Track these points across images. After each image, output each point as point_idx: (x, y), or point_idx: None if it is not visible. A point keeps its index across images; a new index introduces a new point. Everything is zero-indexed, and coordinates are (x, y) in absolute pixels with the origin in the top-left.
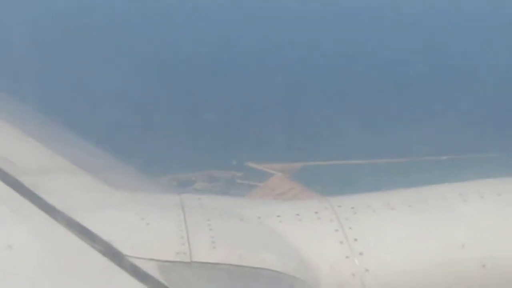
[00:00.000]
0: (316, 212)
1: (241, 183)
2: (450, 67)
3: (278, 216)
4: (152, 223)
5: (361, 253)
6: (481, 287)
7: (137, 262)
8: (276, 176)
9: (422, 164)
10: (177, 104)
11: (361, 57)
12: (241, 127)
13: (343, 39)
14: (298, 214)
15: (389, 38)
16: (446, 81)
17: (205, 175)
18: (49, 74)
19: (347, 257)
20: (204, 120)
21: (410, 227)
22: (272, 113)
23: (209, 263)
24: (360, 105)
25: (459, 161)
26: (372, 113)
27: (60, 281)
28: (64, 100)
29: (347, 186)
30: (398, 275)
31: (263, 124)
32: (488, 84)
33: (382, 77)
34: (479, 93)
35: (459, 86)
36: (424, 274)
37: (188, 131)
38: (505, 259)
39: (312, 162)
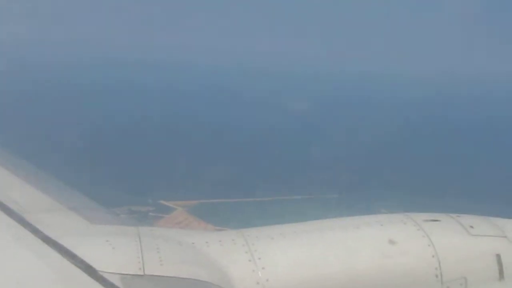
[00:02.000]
0: (232, 240)
1: (153, 215)
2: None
3: (207, 242)
4: (116, 247)
5: (263, 268)
6: (341, 281)
7: (106, 275)
8: (177, 210)
9: (283, 201)
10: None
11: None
12: (159, 177)
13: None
14: (220, 241)
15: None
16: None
17: (127, 209)
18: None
19: (253, 270)
20: (134, 174)
21: (297, 250)
22: (179, 167)
23: (157, 275)
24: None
25: (308, 200)
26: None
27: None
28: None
29: (229, 217)
30: (288, 282)
31: (174, 174)
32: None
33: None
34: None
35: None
36: (304, 279)
37: (122, 182)
38: (355, 265)
39: (204, 200)
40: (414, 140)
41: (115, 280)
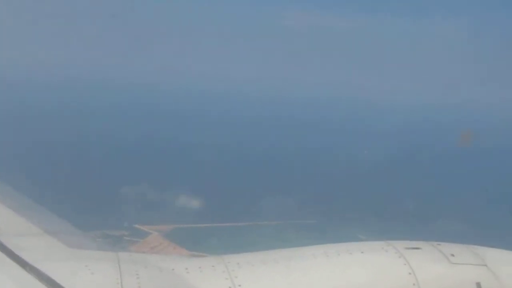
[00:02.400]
0: (213, 266)
1: (128, 240)
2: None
3: (186, 268)
4: (95, 272)
5: None
6: None
7: None
8: (152, 235)
9: (260, 227)
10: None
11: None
12: (134, 201)
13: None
14: (200, 267)
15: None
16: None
17: (101, 233)
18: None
19: None
20: (109, 198)
21: (277, 277)
22: (155, 191)
23: None
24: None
25: (285, 225)
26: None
27: None
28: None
29: (205, 243)
30: None
31: (150, 199)
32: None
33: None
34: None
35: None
36: None
37: (96, 205)
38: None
39: (179, 224)
40: (394, 167)
41: None
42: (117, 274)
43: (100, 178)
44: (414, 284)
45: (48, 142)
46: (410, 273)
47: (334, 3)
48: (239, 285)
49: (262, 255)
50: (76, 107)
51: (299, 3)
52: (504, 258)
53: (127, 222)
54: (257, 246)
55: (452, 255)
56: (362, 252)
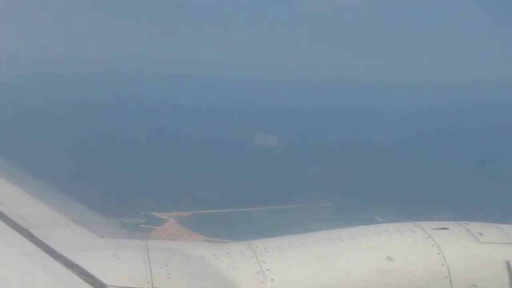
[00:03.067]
0: (240, 251)
1: (144, 227)
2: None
3: (215, 255)
4: (125, 261)
5: (272, 279)
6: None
7: None
8: (169, 222)
9: (276, 211)
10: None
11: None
12: (151, 189)
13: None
14: (228, 253)
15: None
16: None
17: (117, 221)
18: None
19: (262, 282)
20: (125, 185)
21: (306, 261)
22: (171, 178)
23: None
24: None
25: (302, 209)
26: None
27: None
28: None
29: (222, 228)
30: None
31: (166, 186)
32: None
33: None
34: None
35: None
36: None
37: (112, 193)
38: (352, 272)
39: (196, 211)
40: (408, 147)
41: None
42: (146, 262)
43: (115, 166)
44: (442, 265)
45: (68, 132)
46: (438, 254)
47: None
48: (268, 270)
49: (289, 240)
50: (97, 98)
51: None
52: None
53: (143, 210)
54: (276, 230)
55: (481, 234)
56: (389, 234)
